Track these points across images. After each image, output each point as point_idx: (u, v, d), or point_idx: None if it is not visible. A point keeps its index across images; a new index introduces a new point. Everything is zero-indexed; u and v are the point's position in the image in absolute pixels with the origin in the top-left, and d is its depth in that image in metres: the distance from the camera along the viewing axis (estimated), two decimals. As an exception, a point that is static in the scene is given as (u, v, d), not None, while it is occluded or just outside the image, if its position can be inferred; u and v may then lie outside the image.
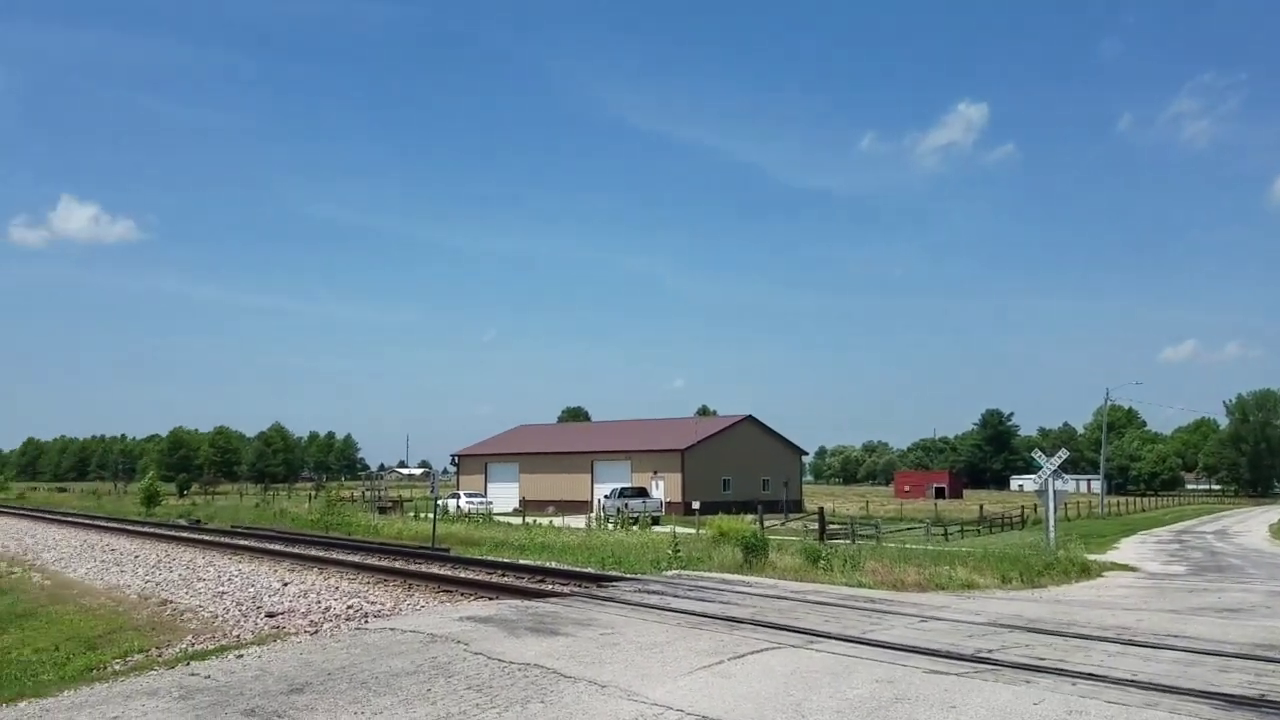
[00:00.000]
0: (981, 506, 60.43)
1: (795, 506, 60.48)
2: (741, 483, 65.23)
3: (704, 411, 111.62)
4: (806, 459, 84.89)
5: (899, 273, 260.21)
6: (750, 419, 71.16)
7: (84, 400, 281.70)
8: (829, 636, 10.28)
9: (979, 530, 45.10)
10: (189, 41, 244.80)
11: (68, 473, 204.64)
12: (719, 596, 13.80)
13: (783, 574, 17.35)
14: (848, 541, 29.26)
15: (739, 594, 14.20)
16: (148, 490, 59.70)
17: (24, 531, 35.49)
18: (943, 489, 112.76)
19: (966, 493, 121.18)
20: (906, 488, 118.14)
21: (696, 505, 50.99)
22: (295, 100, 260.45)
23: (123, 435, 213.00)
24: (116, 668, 10.56)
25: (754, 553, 18.92)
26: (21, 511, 55.40)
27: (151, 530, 34.44)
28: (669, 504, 57.94)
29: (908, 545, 27.52)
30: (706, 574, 17.46)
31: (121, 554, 24.74)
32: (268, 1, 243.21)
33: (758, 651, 9.42)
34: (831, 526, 36.25)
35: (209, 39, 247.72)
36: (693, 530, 32.24)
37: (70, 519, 45.02)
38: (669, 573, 17.80)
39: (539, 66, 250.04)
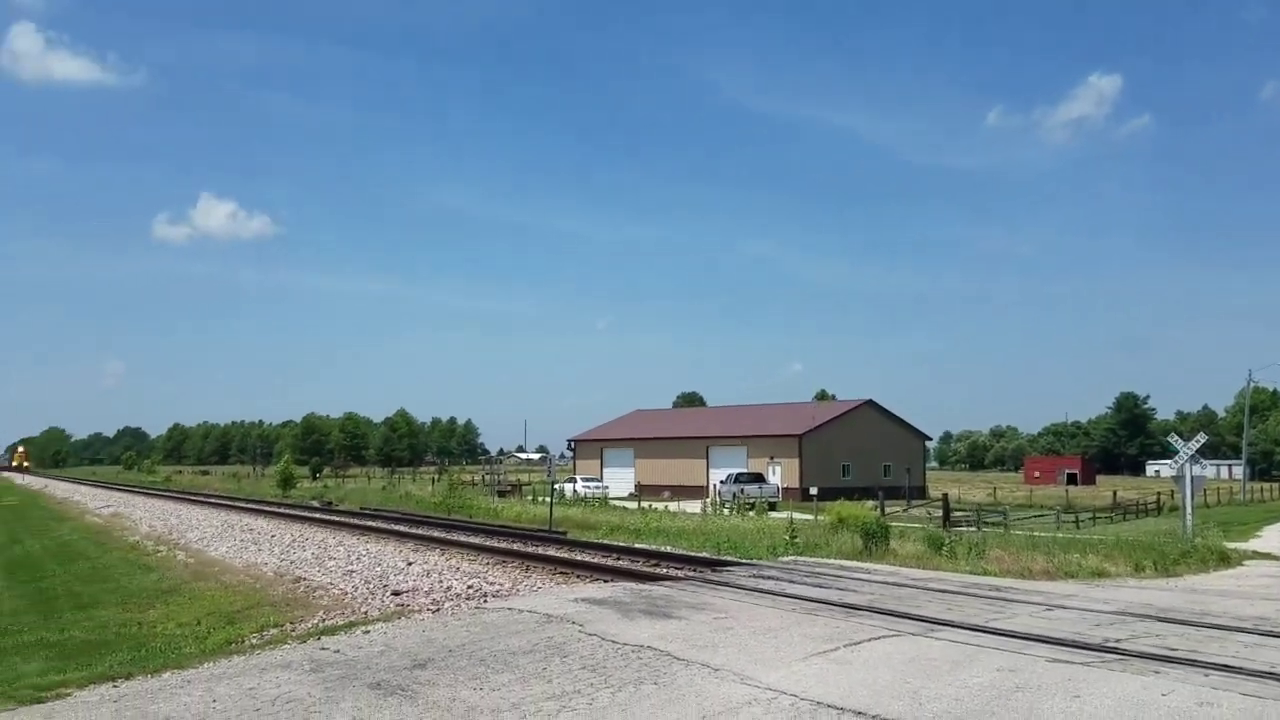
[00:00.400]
0: (1115, 493, 58.01)
1: (918, 493, 59.07)
2: (862, 469, 64.14)
3: (822, 396, 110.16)
4: (930, 445, 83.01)
5: (1027, 252, 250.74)
6: (870, 404, 69.90)
7: (224, 387, 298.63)
8: (950, 624, 10.03)
9: (1112, 517, 43.28)
10: (314, 41, 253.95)
11: (210, 457, 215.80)
12: (836, 583, 13.61)
13: (903, 561, 16.99)
14: (973, 529, 28.45)
15: (857, 580, 13.98)
16: (283, 473, 62.64)
17: (170, 512, 37.56)
18: (1074, 475, 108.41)
19: (1100, 479, 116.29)
20: (1036, 474, 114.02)
21: (814, 491, 50.44)
22: (418, 95, 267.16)
23: (260, 421, 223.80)
24: (253, 641, 11.07)
25: (873, 539, 18.58)
26: (168, 494, 58.83)
27: (286, 511, 36.06)
28: (786, 490, 57.44)
29: (1036, 533, 26.56)
30: (824, 560, 17.24)
31: (259, 534, 25.95)
32: (388, 2, 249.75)
33: (875, 639, 9.26)
34: (956, 513, 35.38)
35: (334, 39, 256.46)
36: (810, 516, 31.87)
37: (212, 500, 47.52)
38: (785, 558, 17.65)
39: (656, 54, 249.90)
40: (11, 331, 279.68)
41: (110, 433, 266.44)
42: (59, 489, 69.63)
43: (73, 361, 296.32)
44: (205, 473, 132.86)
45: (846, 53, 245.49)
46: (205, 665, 8.68)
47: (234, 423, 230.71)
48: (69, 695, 7.60)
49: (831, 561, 16.95)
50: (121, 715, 6.84)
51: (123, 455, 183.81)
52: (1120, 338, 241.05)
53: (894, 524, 23.29)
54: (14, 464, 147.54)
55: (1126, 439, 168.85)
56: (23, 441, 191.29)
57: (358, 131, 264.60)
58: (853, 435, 65.56)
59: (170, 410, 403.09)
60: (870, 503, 35.79)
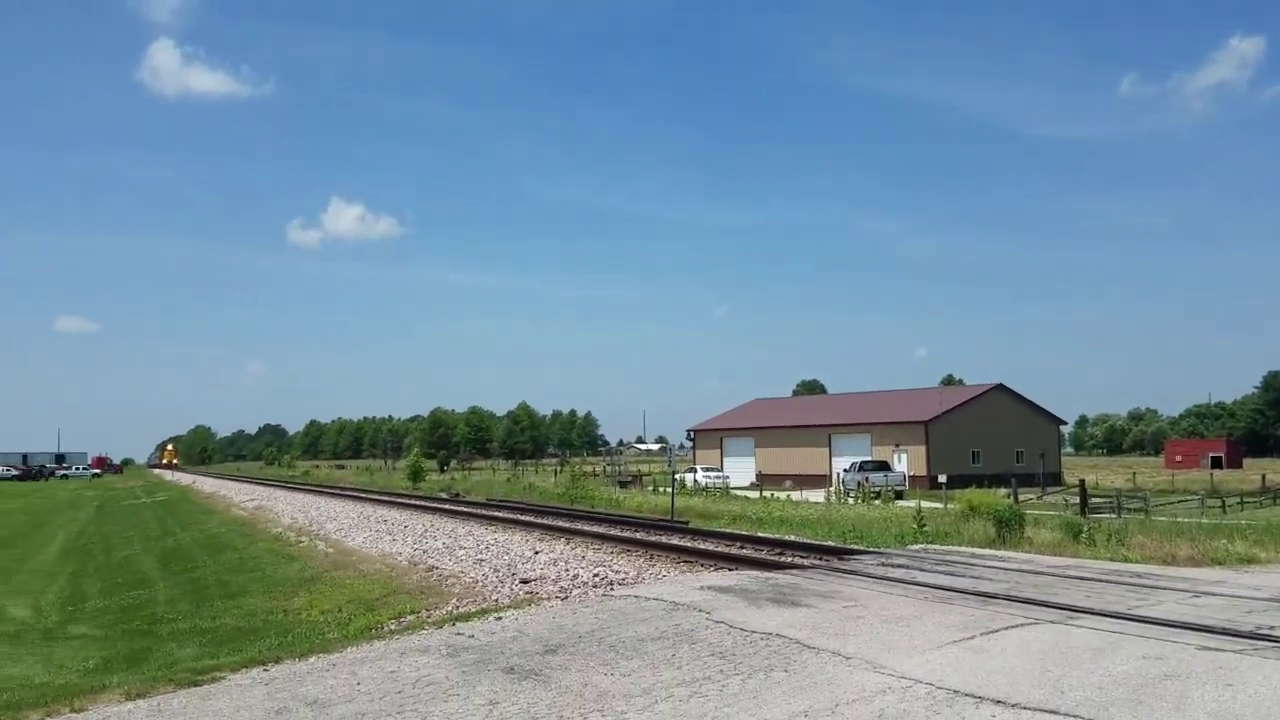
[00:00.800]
0: (1264, 476, 54.91)
1: (1053, 479, 56.94)
2: (992, 455, 62.24)
3: (949, 381, 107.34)
4: (1065, 429, 79.88)
5: (1163, 225, 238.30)
6: (1001, 387, 67.76)
7: (356, 384, 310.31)
8: (1090, 612, 9.64)
9: (1261, 502, 40.94)
10: (433, 43, 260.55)
11: (344, 451, 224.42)
12: (969, 571, 13.25)
13: (1039, 549, 16.40)
14: (1112, 515, 27.27)
15: (991, 569, 13.58)
16: (413, 466, 64.72)
17: (309, 505, 39.25)
18: (1219, 458, 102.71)
19: (1247, 462, 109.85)
20: (1178, 457, 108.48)
21: (943, 479, 49.13)
22: (533, 89, 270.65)
23: (389, 416, 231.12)
24: (392, 627, 11.48)
25: (1007, 527, 17.98)
26: (307, 487, 61.49)
27: (417, 503, 37.25)
28: (912, 478, 56.20)
29: (1179, 518, 25.29)
30: (955, 548, 16.80)
31: (392, 524, 26.87)
32: (507, 2, 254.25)
33: (1012, 627, 8.99)
34: (1094, 499, 33.98)
35: (448, 37, 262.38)
36: (939, 505, 31.12)
37: (348, 493, 49.44)
38: (913, 547, 17.28)
39: (764, 33, 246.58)
40: (160, 335, 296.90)
41: (252, 429, 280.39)
42: (206, 484, 73.59)
43: (217, 362, 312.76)
44: (340, 467, 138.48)
45: (966, 24, 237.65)
46: (348, 649, 9.04)
47: (366, 418, 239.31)
48: (223, 678, 8.02)
49: (963, 549, 16.51)
50: (273, 696, 7.19)
51: (264, 451, 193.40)
52: (1265, 312, 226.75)
53: (1028, 511, 22.51)
54: (164, 461, 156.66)
55: (1275, 419, 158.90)
56: (171, 440, 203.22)
57: (475, 129, 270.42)
58: (982, 421, 63.68)
59: (307, 407, 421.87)
60: (1002, 490, 34.76)
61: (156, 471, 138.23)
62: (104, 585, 22.34)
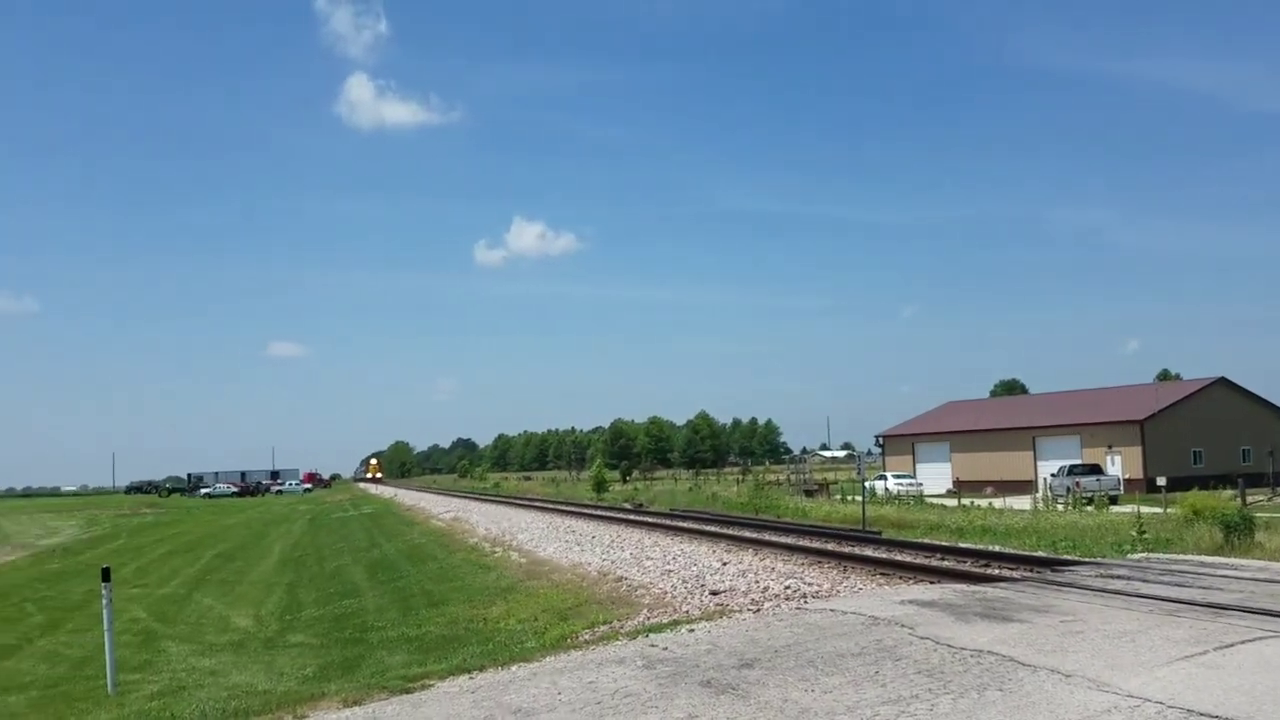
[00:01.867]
0: None
1: (1283, 479, 52.03)
2: (1216, 454, 57.50)
3: (1164, 376, 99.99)
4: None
5: None
6: (1223, 381, 62.56)
7: (540, 398, 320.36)
8: (1351, 630, 8.62)
9: None
10: (608, 60, 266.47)
11: (531, 463, 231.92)
12: (1197, 581, 12.17)
13: (1272, 555, 14.99)
14: (1358, 520, 24.53)
15: (1221, 578, 12.44)
16: (596, 477, 66.04)
17: (501, 516, 40.55)
18: None
19: None
20: None
21: (1162, 481, 45.75)
22: (697, 100, 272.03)
23: (572, 428, 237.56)
24: (585, 637, 11.56)
25: (1235, 532, 16.51)
26: (497, 499, 63.77)
27: (603, 514, 37.79)
28: (1128, 481, 52.57)
29: None
30: (1179, 556, 15.51)
31: (580, 535, 27.35)
32: (666, 10, 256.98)
33: (1249, 641, 8.24)
34: (1333, 502, 30.83)
35: (626, 57, 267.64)
36: (1159, 509, 28.96)
37: (536, 504, 50.83)
38: (1133, 556, 16.07)
39: (945, 20, 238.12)
40: (362, 357, 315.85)
41: (445, 444, 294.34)
42: (406, 497, 77.55)
43: (413, 380, 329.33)
44: (528, 478, 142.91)
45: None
46: (547, 659, 9.15)
47: (550, 430, 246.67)
48: (432, 686, 8.27)
49: (1188, 558, 15.21)
50: (479, 705, 7.32)
51: (457, 464, 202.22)
52: None
53: (1259, 514, 20.66)
54: (370, 475, 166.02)
55: None
56: (374, 455, 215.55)
57: (647, 143, 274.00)
58: (1204, 418, 58.93)
59: (495, 420, 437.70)
60: (1229, 492, 32.04)
61: (361, 485, 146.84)
62: (318, 595, 23.74)
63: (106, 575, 12.90)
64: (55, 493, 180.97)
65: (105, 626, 12.60)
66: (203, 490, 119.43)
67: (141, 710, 11.34)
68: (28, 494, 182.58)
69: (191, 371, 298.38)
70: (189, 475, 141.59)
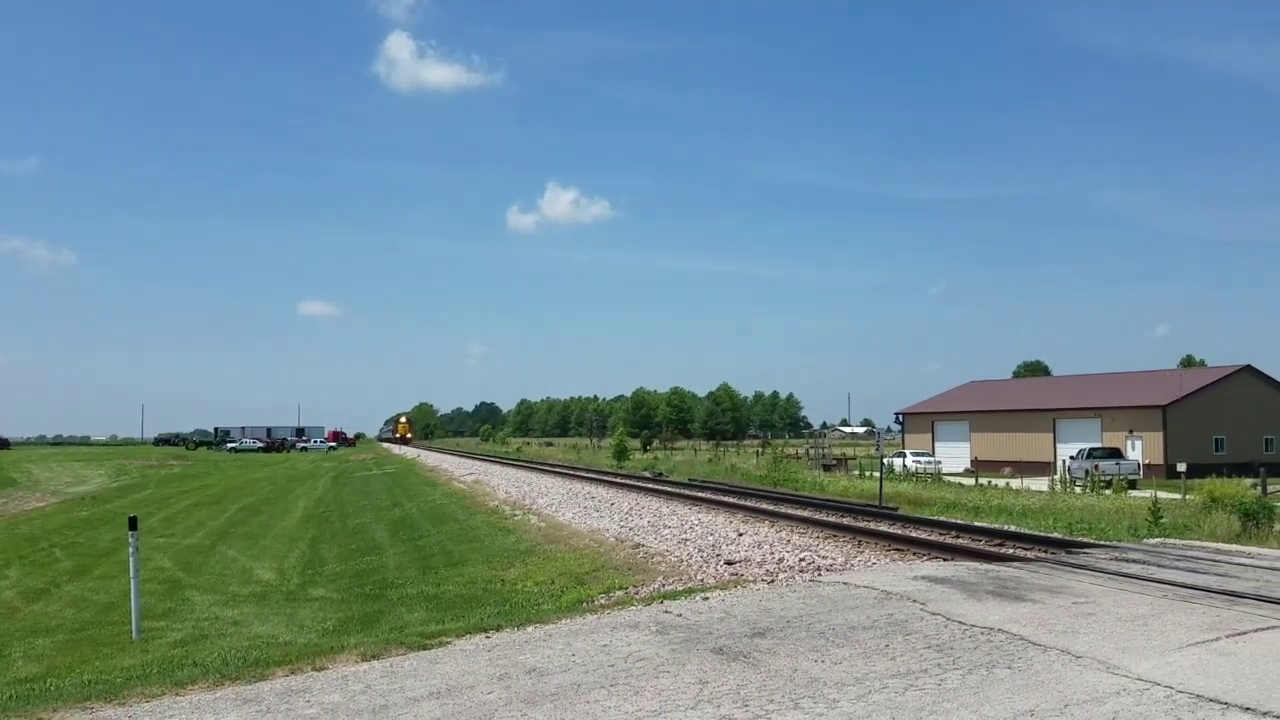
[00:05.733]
0: None
1: (1306, 470, 51.58)
2: (1238, 442, 57.05)
3: (1189, 362, 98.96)
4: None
5: None
6: (1249, 369, 61.93)
7: (564, 364, 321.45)
8: (1365, 622, 8.62)
9: None
10: (643, 31, 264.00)
11: (553, 429, 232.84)
12: (1213, 568, 12.16)
13: (1292, 545, 14.90)
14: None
15: (1237, 565, 12.43)
16: (617, 446, 66.31)
17: (522, 480, 40.89)
18: None
19: None
20: None
21: (1182, 468, 45.48)
22: (747, 73, 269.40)
23: (595, 396, 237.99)
24: (601, 601, 11.74)
25: (1254, 520, 16.52)
26: (519, 463, 64.23)
27: (622, 481, 38.06)
28: (1148, 466, 52.32)
29: None
30: (1195, 543, 15.48)
31: (599, 501, 27.58)
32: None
33: (1264, 629, 8.24)
34: (1358, 494, 30.52)
35: (661, 26, 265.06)
36: (1177, 495, 28.82)
37: (556, 470, 51.22)
38: (1150, 541, 16.05)
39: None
40: (392, 319, 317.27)
41: (469, 407, 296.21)
42: (429, 458, 78.19)
43: (442, 344, 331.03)
44: (549, 444, 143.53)
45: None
46: (562, 621, 9.32)
47: (573, 398, 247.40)
48: (449, 643, 8.45)
49: (1204, 544, 15.17)
50: (495, 663, 7.49)
51: (480, 428, 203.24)
52: None
53: (1277, 504, 20.56)
54: (397, 435, 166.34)
55: None
56: (402, 414, 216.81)
57: (687, 113, 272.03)
58: (1227, 405, 58.41)
59: (520, 386, 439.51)
60: (1248, 480, 31.79)
61: (385, 445, 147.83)
62: (340, 551, 24.13)
63: (133, 524, 13.15)
64: (85, 442, 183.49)
65: (131, 574, 12.90)
66: (229, 444, 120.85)
67: (165, 657, 11.65)
68: (58, 442, 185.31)
69: (222, 327, 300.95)
70: (216, 429, 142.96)
